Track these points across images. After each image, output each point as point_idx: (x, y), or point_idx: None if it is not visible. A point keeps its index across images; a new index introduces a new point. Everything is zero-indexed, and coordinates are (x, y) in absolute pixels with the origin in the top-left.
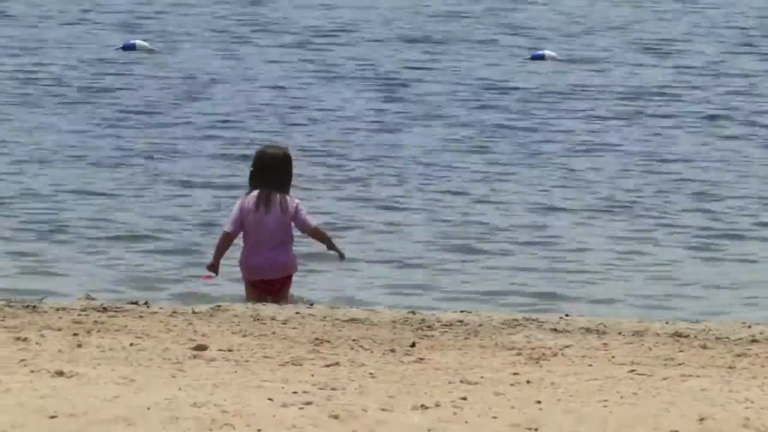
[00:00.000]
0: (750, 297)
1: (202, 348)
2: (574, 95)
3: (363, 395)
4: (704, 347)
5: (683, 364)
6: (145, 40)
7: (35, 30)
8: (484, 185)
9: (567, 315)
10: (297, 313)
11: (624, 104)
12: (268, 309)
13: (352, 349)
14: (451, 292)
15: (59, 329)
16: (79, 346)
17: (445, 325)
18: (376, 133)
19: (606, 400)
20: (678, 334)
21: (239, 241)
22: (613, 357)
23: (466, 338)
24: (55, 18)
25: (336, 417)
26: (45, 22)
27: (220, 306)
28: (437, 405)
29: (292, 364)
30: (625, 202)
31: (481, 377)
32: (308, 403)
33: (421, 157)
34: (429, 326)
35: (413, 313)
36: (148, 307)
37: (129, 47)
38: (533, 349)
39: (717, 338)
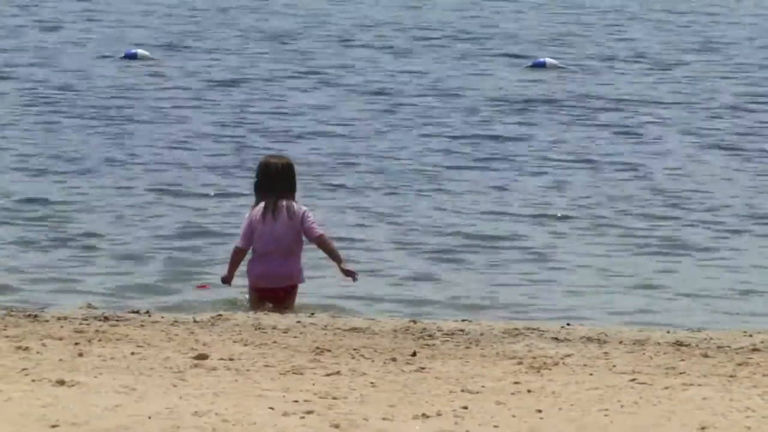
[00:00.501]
0: (747, 305)
1: (203, 357)
2: (568, 102)
3: (364, 404)
4: (705, 356)
5: (684, 373)
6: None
7: (37, 37)
8: (482, 195)
9: (568, 324)
10: (298, 322)
11: (618, 113)
12: (269, 318)
13: (353, 358)
14: (445, 303)
15: (60, 338)
16: (81, 355)
17: (446, 335)
18: (369, 142)
19: (607, 409)
20: (679, 343)
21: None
22: (614, 366)
23: (467, 347)
24: (54, 25)
25: (337, 426)
26: (44, 29)
27: (221, 315)
28: (438, 414)
29: (293, 373)
30: (616, 212)
31: (483, 386)
32: (309, 412)
33: (414, 166)
34: (430, 335)
35: (414, 322)
36: (149, 316)
37: (130, 56)
38: (534, 358)
39: (718, 347)
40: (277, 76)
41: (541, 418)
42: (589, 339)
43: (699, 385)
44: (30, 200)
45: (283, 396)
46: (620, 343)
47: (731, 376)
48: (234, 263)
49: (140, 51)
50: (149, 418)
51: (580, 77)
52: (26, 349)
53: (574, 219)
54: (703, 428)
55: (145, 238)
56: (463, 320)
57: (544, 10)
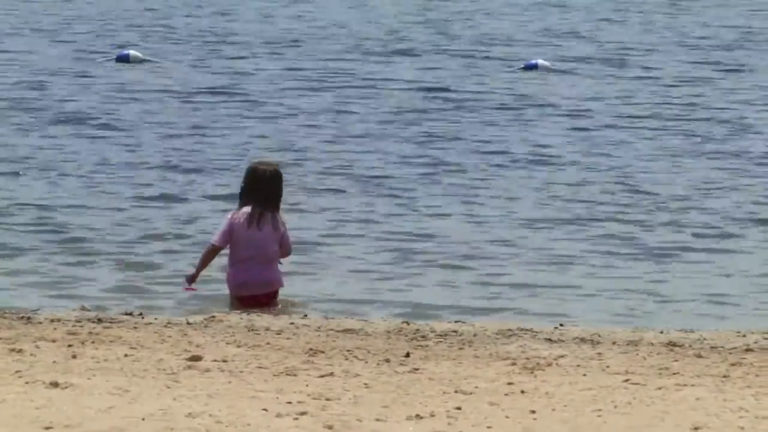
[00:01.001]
0: (741, 306)
1: (196, 359)
2: (560, 104)
3: (357, 405)
4: (699, 356)
5: (678, 373)
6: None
7: (30, 42)
8: (474, 198)
9: (561, 325)
10: (291, 323)
11: (609, 116)
12: (262, 319)
13: (347, 359)
14: (438, 306)
15: (54, 340)
16: (74, 357)
17: (440, 336)
18: (359, 145)
19: (600, 410)
20: (672, 344)
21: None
22: (607, 367)
23: (460, 348)
24: (46, 28)
25: (330, 427)
26: (37, 32)
27: (214, 316)
28: (432, 415)
29: (287, 374)
30: (605, 214)
31: (476, 387)
32: (303, 414)
33: (404, 169)
34: (423, 336)
35: (407, 323)
36: (142, 317)
37: (123, 58)
38: (528, 359)
39: (711, 347)
40: (269, 81)
41: (535, 419)
42: (583, 340)
43: (692, 385)
44: (22, 204)
45: (277, 397)
46: (613, 343)
47: (724, 377)
48: (205, 262)
49: (132, 52)
50: (143, 419)
51: (571, 79)
52: (20, 351)
53: (566, 221)
54: (696, 428)
55: (137, 241)
56: (456, 321)
57: (536, 10)
